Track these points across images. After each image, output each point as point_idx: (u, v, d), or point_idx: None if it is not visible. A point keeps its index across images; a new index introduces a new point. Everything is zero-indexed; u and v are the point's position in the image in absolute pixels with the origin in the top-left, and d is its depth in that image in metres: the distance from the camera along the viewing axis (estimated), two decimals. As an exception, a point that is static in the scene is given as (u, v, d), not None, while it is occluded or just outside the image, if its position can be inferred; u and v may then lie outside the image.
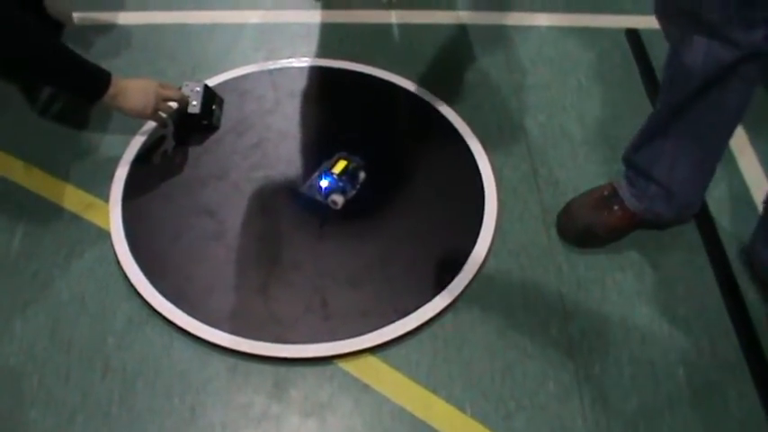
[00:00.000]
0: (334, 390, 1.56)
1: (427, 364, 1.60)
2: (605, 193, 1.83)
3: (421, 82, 2.20)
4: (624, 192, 1.80)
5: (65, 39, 2.23)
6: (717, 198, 1.93)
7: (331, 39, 2.35)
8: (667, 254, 1.82)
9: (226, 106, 2.10)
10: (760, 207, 1.91)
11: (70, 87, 1.83)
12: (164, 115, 1.92)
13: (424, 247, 1.80)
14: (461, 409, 1.54)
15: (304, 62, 2.26)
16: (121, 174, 1.91)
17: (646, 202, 1.76)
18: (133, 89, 1.83)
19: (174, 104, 1.94)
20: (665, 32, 1.54)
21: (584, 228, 1.81)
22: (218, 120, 2.05)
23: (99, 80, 1.78)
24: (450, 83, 2.22)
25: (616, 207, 1.79)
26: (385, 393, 1.56)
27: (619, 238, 1.83)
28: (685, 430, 1.52)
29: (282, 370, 1.59)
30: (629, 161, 1.78)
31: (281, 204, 1.87)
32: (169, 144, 2.00)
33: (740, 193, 1.96)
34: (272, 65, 2.24)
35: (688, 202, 1.79)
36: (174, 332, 1.64)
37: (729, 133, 1.65)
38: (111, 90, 1.78)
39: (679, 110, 1.58)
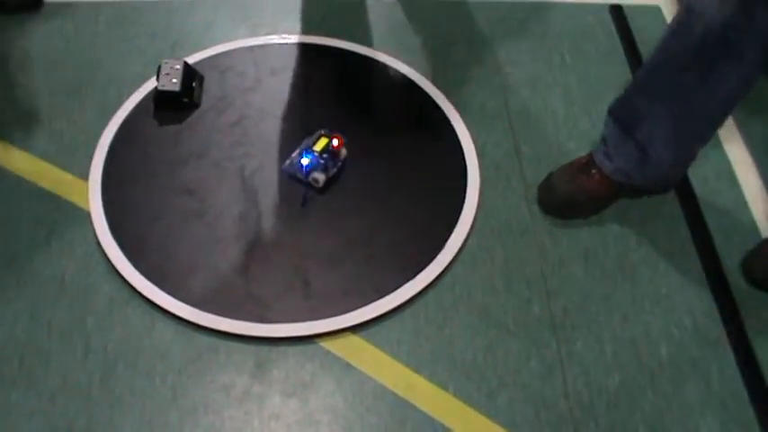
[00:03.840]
0: (315, 369, 1.56)
1: (409, 343, 1.60)
2: (583, 161, 1.83)
3: (403, 59, 2.18)
4: (597, 153, 1.80)
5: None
6: (698, 174, 1.92)
7: (313, 15, 2.33)
8: (650, 231, 1.81)
9: (206, 84, 2.08)
10: (742, 183, 1.91)
11: None
12: None
13: (405, 224, 1.79)
14: (444, 387, 1.54)
15: (285, 39, 2.23)
16: (101, 152, 1.90)
17: (619, 160, 1.75)
18: None
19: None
20: None
21: (565, 196, 1.80)
22: (199, 97, 2.04)
23: None
24: (433, 59, 2.20)
25: (594, 171, 1.80)
26: (367, 372, 1.56)
27: (600, 209, 1.84)
28: (667, 407, 1.53)
29: (264, 349, 1.58)
30: (613, 111, 1.76)
31: (262, 183, 1.85)
32: (149, 122, 1.98)
33: (722, 169, 1.96)
34: (253, 41, 2.22)
35: (662, 173, 1.78)
36: (155, 312, 1.63)
37: (715, 122, 1.64)
38: None
39: (670, 73, 1.56)
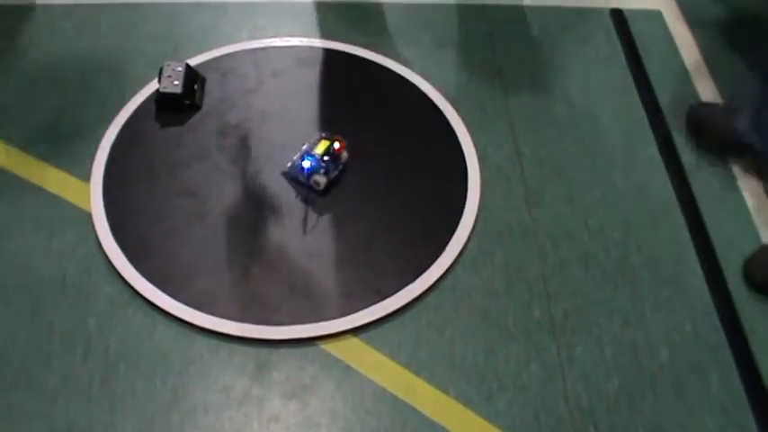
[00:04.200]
0: (316, 371, 1.56)
1: (410, 346, 1.60)
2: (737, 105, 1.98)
3: (404, 61, 2.19)
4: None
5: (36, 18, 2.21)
6: (700, 178, 1.93)
7: (314, 18, 2.33)
8: (651, 235, 1.82)
9: (208, 86, 2.08)
10: (743, 188, 1.92)
11: None
12: None
13: (406, 227, 1.79)
14: (444, 390, 1.54)
15: (286, 41, 2.24)
16: (102, 154, 1.90)
17: (744, 112, 1.87)
18: None
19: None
20: None
21: (710, 116, 1.99)
22: (200, 99, 2.04)
23: None
24: (434, 62, 2.20)
25: (735, 114, 1.93)
26: (367, 375, 1.56)
27: (722, 147, 1.98)
28: (667, 411, 1.53)
29: (265, 351, 1.58)
30: None
31: (264, 185, 1.86)
32: (151, 124, 1.99)
33: (724, 174, 1.96)
34: (254, 44, 2.22)
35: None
36: (156, 314, 1.63)
37: None
38: None
39: None
